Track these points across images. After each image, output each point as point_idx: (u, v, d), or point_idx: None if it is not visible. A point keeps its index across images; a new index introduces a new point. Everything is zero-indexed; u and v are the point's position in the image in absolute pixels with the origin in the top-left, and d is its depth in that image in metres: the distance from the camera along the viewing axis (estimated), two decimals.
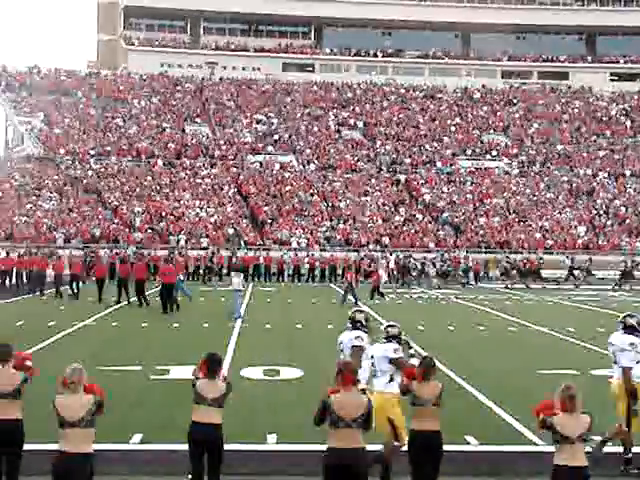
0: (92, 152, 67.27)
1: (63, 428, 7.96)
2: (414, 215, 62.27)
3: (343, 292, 34.48)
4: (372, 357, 10.64)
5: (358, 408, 8.05)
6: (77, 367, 8.12)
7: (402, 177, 68.31)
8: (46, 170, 64.20)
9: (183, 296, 32.24)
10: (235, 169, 67.26)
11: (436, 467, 8.99)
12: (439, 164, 70.95)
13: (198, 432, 8.97)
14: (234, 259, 47.48)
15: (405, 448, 9.39)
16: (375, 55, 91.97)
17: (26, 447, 8.95)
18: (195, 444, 9.02)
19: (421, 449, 8.93)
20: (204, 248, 52.49)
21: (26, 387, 8.87)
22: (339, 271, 48.01)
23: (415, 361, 9.95)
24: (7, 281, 39.91)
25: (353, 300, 32.82)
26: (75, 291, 34.71)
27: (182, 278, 34.28)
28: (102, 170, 64.55)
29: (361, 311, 12.10)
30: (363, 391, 8.98)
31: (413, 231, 59.18)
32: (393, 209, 62.93)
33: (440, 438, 9.00)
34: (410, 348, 10.78)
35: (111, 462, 10.51)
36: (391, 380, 10.32)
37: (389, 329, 10.77)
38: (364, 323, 11.48)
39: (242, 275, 30.50)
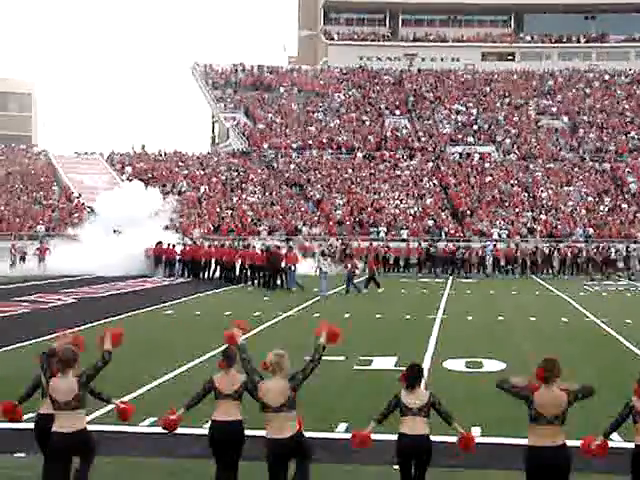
0: (294, 146, 68.82)
1: (266, 412, 8.13)
2: (619, 205, 60.30)
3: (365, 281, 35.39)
4: None
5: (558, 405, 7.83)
6: (279, 352, 8.28)
7: (607, 166, 66.36)
8: (250, 164, 66.17)
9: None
10: (435, 160, 67.18)
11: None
12: None
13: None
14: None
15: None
16: (578, 40, 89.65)
17: None
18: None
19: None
20: (403, 240, 52.67)
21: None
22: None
23: None
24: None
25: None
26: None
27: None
28: (304, 163, 65.91)
29: None
30: None
31: (619, 221, 57.26)
32: (597, 199, 61.17)
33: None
34: None
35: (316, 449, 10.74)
36: None
37: None
38: None
39: (328, 259, 36.08)
